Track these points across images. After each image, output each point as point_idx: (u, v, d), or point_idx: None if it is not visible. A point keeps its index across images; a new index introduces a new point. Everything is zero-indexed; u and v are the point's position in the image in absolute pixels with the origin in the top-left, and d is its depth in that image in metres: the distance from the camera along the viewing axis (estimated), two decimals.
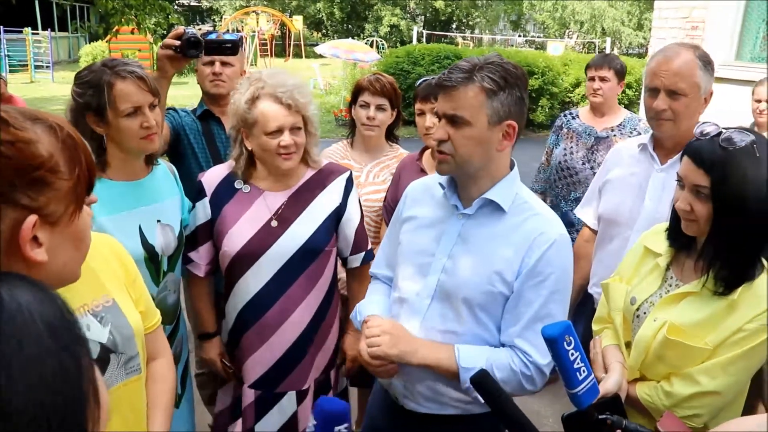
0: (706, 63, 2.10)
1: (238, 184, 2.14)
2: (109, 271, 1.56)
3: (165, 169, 2.17)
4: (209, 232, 2.16)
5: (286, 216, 2.10)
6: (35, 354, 0.59)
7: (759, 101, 3.68)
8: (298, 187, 2.15)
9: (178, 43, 2.18)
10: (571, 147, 3.35)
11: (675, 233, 1.70)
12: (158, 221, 2.03)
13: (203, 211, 2.15)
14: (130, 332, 1.53)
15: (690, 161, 1.57)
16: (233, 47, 2.34)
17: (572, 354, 1.21)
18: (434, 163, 2.56)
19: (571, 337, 1.21)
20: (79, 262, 1.01)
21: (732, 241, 1.53)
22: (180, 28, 2.25)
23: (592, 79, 3.47)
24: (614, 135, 3.41)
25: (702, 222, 1.57)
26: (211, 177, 2.16)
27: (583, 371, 1.23)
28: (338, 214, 2.18)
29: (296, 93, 2.00)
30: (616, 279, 1.87)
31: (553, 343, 1.21)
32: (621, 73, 3.46)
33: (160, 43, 2.29)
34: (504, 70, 1.54)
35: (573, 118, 3.51)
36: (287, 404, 2.17)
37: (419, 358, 1.63)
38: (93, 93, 1.87)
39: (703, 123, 1.59)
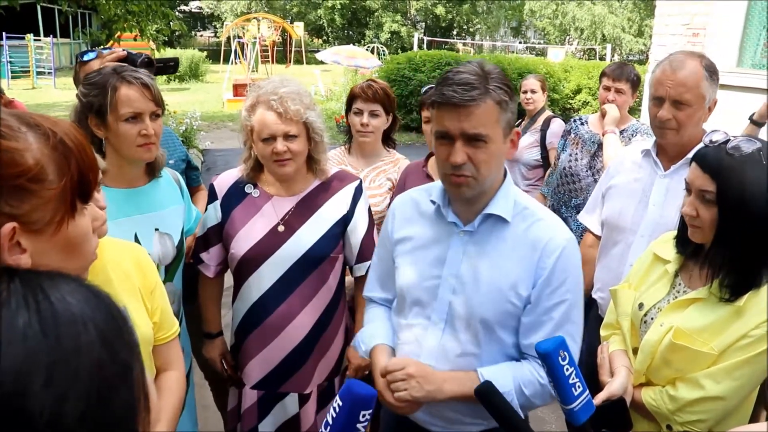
0: (712, 73, 2.10)
1: (248, 189, 2.16)
2: (125, 279, 1.55)
3: (170, 178, 2.17)
4: (220, 235, 2.18)
5: (292, 222, 2.11)
6: (88, 366, 0.59)
7: (525, 92, 4.39)
8: (305, 194, 2.16)
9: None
10: (576, 153, 3.32)
11: (683, 240, 1.71)
12: (156, 230, 2.02)
13: (214, 213, 2.17)
14: None
15: (697, 167, 1.59)
16: (175, 65, 2.55)
17: (567, 369, 1.20)
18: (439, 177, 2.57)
19: (565, 353, 1.20)
20: (77, 269, 0.96)
21: (737, 247, 1.54)
22: (120, 51, 2.32)
23: (608, 89, 3.36)
24: None
25: (706, 228, 1.58)
26: (223, 181, 2.20)
27: (578, 387, 1.21)
28: (345, 222, 2.18)
29: (289, 101, 1.98)
30: (624, 286, 1.87)
31: (547, 358, 1.19)
32: (636, 84, 3.38)
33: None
34: (505, 77, 1.49)
35: (582, 124, 3.44)
36: (290, 403, 2.19)
37: (446, 393, 1.56)
38: (97, 94, 1.87)
39: (713, 131, 1.61)
